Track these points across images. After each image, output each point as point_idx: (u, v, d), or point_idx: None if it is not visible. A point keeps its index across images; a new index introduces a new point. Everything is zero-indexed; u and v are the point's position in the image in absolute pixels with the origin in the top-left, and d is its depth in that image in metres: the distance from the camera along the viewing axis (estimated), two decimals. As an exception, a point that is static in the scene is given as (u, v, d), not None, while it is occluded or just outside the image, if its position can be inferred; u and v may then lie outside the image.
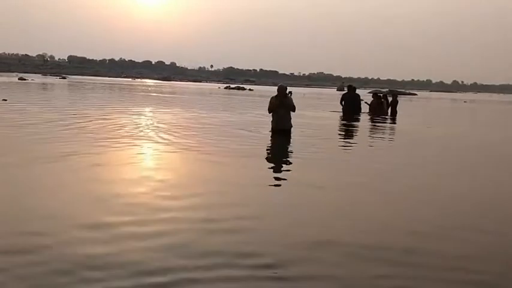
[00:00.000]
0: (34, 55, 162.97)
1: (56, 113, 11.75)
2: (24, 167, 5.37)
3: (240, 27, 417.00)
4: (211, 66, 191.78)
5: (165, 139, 8.07)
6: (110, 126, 9.48)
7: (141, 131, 9.12)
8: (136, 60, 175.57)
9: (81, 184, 4.73)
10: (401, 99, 30.73)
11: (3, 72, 76.98)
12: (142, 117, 12.26)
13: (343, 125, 13.03)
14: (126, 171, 5.56)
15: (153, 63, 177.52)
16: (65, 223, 3.47)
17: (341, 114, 15.07)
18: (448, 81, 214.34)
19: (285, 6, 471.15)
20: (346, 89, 16.19)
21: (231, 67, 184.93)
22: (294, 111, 9.03)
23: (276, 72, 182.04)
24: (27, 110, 12.37)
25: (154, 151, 7.00)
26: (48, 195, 4.32)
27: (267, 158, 7.14)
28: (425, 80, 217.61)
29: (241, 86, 60.55)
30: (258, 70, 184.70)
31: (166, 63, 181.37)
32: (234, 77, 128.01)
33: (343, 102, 15.24)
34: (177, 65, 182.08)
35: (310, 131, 10.26)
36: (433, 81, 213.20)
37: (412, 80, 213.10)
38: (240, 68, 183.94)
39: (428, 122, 16.01)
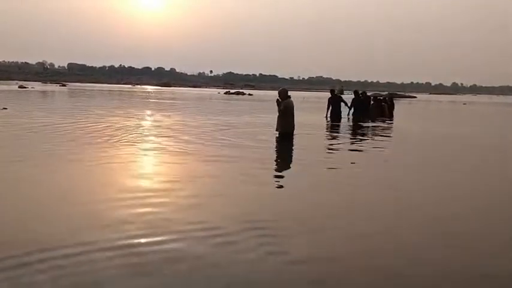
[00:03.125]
0: (34, 63, 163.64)
1: (63, 118, 11.81)
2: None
3: (240, 32, 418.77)
4: (211, 71, 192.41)
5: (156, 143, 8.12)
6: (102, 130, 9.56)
7: (134, 135, 9.26)
8: (135, 67, 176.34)
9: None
10: (401, 102, 30.97)
11: (3, 80, 77.13)
12: (140, 121, 12.34)
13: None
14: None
15: (152, 69, 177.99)
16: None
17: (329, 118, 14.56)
18: (448, 84, 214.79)
19: (285, 10, 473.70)
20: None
21: (231, 72, 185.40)
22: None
23: (276, 76, 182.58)
24: (30, 117, 12.42)
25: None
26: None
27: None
28: (424, 82, 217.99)
29: (241, 91, 60.74)
30: (258, 75, 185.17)
31: (166, 69, 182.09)
32: (233, 82, 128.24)
33: (330, 107, 14.70)
34: (177, 70, 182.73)
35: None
36: (433, 84, 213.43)
37: (412, 82, 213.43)
38: (239, 72, 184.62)
39: (428, 125, 16.00)
